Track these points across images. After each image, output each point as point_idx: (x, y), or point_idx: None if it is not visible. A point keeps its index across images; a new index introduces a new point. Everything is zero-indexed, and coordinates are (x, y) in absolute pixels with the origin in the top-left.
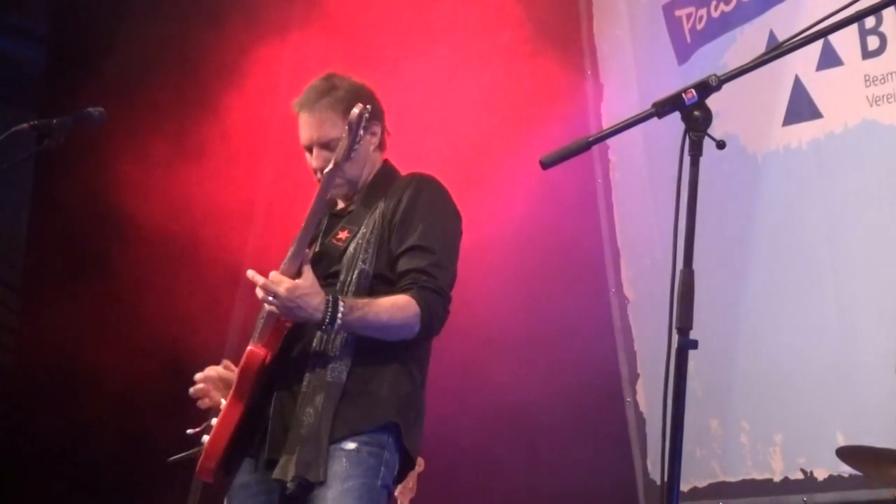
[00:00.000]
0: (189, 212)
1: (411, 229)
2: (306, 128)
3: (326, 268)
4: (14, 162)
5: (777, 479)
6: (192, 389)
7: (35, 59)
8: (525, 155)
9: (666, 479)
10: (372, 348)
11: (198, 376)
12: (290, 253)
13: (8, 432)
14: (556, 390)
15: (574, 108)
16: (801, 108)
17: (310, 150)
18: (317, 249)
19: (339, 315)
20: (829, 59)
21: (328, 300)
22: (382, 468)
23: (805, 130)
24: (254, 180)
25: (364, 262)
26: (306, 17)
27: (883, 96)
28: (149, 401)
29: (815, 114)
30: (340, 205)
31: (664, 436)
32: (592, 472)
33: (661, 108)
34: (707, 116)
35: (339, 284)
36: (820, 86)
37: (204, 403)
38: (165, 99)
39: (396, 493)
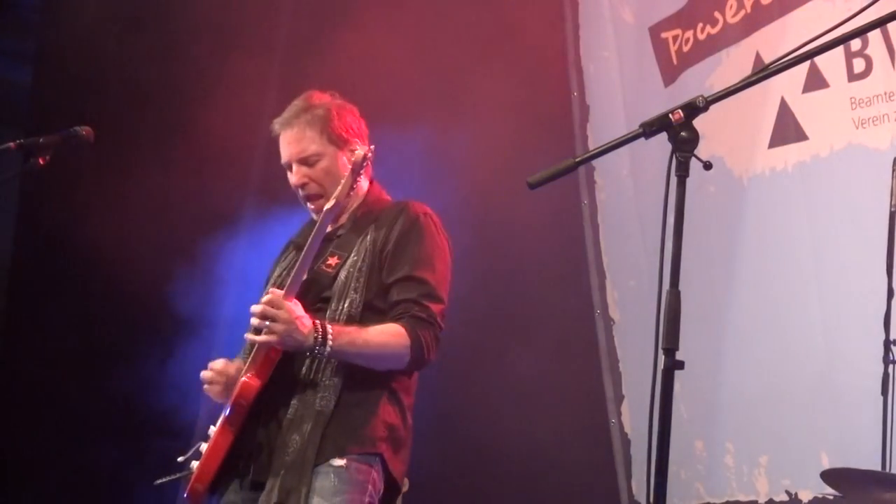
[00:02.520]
0: (176, 230)
1: (403, 260)
2: (285, 146)
3: (317, 294)
4: (2, 178)
5: (762, 500)
6: (206, 374)
7: (21, 79)
8: (510, 175)
9: (652, 500)
10: (360, 377)
11: (218, 366)
12: (288, 282)
13: None
14: (540, 411)
15: (560, 129)
16: (787, 130)
17: (290, 167)
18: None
19: (329, 340)
20: (815, 82)
21: (318, 325)
22: (370, 486)
23: (791, 153)
24: (241, 192)
25: (356, 290)
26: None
27: (869, 119)
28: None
29: (800, 136)
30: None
31: (650, 457)
32: (577, 493)
33: (649, 129)
34: (694, 137)
35: (329, 312)
36: (806, 108)
37: (211, 391)
38: (153, 118)
39: None
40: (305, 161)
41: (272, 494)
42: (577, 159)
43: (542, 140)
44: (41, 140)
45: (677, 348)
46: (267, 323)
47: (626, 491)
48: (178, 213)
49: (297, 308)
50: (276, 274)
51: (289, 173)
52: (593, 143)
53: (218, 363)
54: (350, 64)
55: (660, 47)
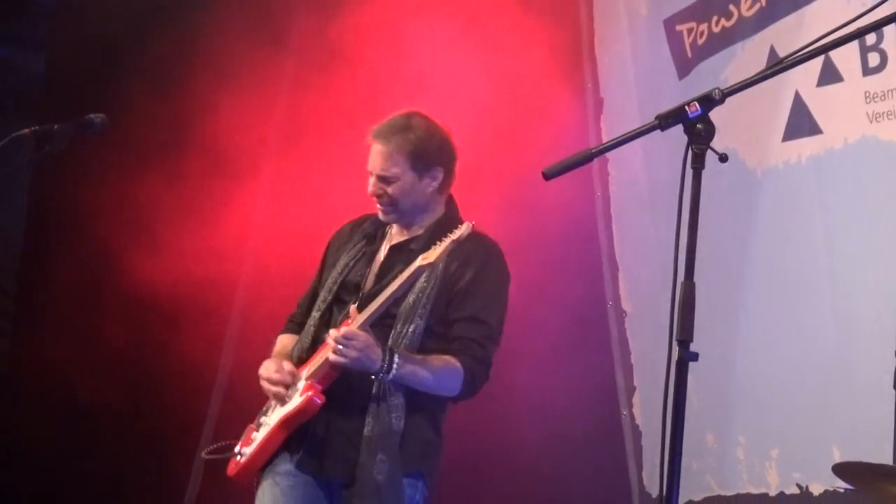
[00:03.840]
0: (188, 221)
1: (473, 301)
2: (374, 156)
3: (381, 316)
4: (15, 166)
5: (773, 493)
6: (276, 377)
7: (35, 67)
8: (525, 166)
9: (664, 491)
10: (418, 397)
11: (286, 367)
12: (362, 319)
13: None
14: (551, 402)
15: (574, 121)
16: (801, 123)
17: (371, 174)
18: (373, 285)
19: (394, 369)
20: (830, 76)
21: (385, 351)
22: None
23: (805, 146)
24: (253, 192)
25: (421, 318)
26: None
27: (883, 113)
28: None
29: (814, 129)
30: (399, 234)
31: (663, 449)
32: (588, 484)
33: (665, 121)
34: (710, 130)
35: (394, 334)
36: (820, 102)
37: (276, 395)
38: (167, 106)
39: None
40: (385, 179)
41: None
42: (593, 150)
43: (556, 132)
44: (55, 127)
45: (691, 340)
46: (340, 347)
47: (637, 482)
48: (191, 201)
49: (369, 334)
50: (342, 263)
51: (370, 178)
52: (607, 136)
53: (286, 366)
54: (365, 58)
55: (674, 40)
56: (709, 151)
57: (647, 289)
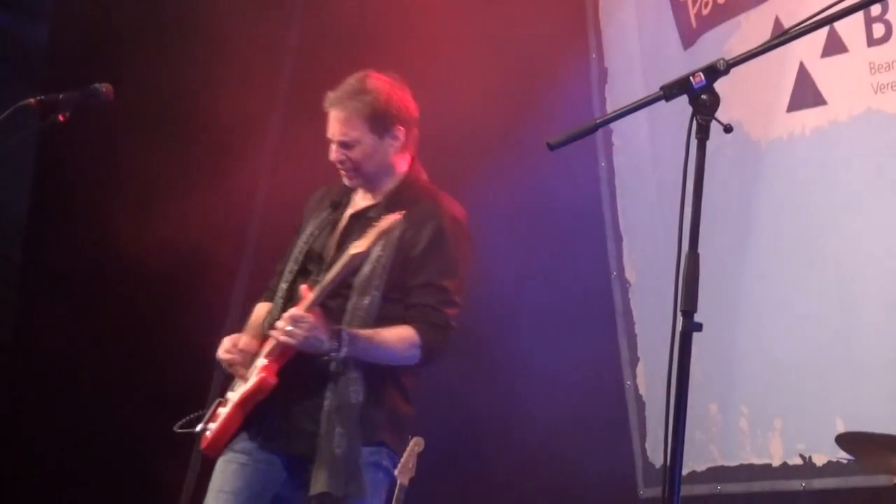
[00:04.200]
0: (192, 192)
1: (428, 267)
2: (332, 123)
3: (341, 288)
4: (20, 136)
5: (776, 464)
6: (229, 356)
7: (38, 36)
8: (528, 137)
9: (668, 461)
10: (379, 370)
11: (240, 344)
12: (310, 301)
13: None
14: (555, 373)
15: (578, 91)
16: (806, 94)
17: (332, 142)
18: (333, 255)
19: (344, 346)
20: (834, 46)
21: (335, 332)
22: (389, 470)
23: (809, 117)
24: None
25: (377, 288)
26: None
27: (888, 84)
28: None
29: (819, 101)
30: (363, 199)
31: (667, 419)
32: (591, 455)
33: (669, 91)
34: (715, 100)
35: (350, 305)
36: (824, 73)
37: (234, 370)
38: (171, 79)
39: (396, 473)
40: (345, 144)
41: (323, 480)
42: (598, 121)
43: (560, 102)
44: (61, 97)
45: (696, 310)
46: (288, 328)
47: (641, 453)
48: (195, 172)
49: (319, 316)
50: (308, 231)
51: (331, 145)
52: (611, 106)
53: (241, 341)
54: (369, 28)
55: (679, 10)
56: (713, 122)
57: (651, 259)
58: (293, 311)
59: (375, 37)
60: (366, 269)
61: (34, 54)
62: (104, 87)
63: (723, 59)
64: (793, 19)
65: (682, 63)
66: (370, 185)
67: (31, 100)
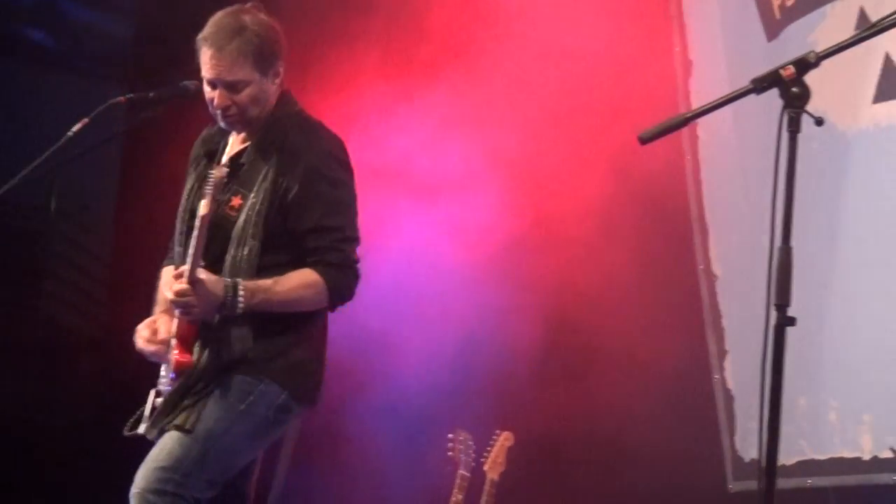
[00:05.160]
0: None
1: (312, 209)
2: (212, 64)
3: (223, 240)
4: (112, 135)
5: (866, 457)
6: (150, 348)
7: (123, 32)
8: (613, 130)
9: (765, 455)
10: (275, 321)
11: (159, 334)
12: (187, 272)
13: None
14: (642, 367)
15: (663, 84)
16: (892, 86)
17: (213, 85)
18: (207, 214)
19: (240, 301)
20: None
21: (227, 286)
22: (252, 396)
23: (895, 109)
24: None
25: (254, 237)
26: None
27: None
28: None
29: None
30: (238, 142)
31: (761, 413)
32: (679, 449)
33: (760, 85)
34: (806, 93)
35: (229, 258)
36: None
37: (156, 357)
38: None
39: (486, 468)
40: (232, 87)
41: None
42: (688, 115)
43: (645, 95)
44: (150, 94)
45: (789, 304)
46: (182, 302)
47: (730, 447)
48: None
49: (209, 277)
50: (187, 187)
51: (208, 88)
52: (696, 99)
53: (158, 327)
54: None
55: (762, 2)
56: (804, 115)
57: (738, 252)
58: (176, 287)
59: (458, 31)
60: (240, 218)
61: (118, 50)
62: (193, 84)
63: (813, 51)
64: (878, 11)
65: (766, 55)
66: (250, 128)
67: (121, 98)
